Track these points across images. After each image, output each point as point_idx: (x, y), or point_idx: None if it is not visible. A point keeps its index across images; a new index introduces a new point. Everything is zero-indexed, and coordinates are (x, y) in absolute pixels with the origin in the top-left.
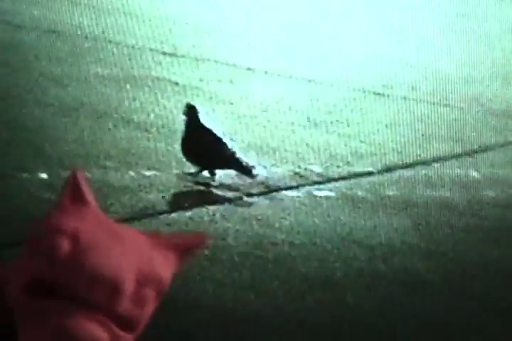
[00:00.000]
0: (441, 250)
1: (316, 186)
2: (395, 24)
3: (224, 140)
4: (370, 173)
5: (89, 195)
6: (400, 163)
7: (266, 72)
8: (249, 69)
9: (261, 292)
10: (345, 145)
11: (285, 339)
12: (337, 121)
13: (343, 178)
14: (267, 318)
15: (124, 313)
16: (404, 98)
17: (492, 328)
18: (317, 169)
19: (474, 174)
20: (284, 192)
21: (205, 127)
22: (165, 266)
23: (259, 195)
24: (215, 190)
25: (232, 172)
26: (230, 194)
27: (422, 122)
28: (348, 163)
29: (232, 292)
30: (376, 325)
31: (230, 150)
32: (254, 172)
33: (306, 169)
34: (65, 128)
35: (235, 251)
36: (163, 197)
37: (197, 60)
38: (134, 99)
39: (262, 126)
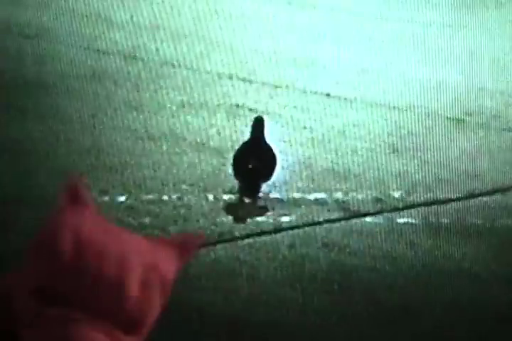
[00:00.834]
0: None
1: (397, 212)
2: (477, 51)
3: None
4: (451, 200)
5: (88, 199)
6: (482, 189)
7: (345, 99)
8: (328, 95)
9: (342, 318)
10: (426, 172)
11: None
12: (417, 147)
13: (425, 205)
14: None
15: (130, 314)
16: (485, 125)
17: None
18: (398, 195)
19: None
20: (364, 218)
21: (267, 145)
22: (167, 265)
23: (338, 220)
24: (293, 216)
25: (311, 196)
26: (308, 219)
27: (503, 150)
28: (429, 189)
29: (312, 318)
30: None
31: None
32: (258, 198)
33: (386, 195)
34: (144, 153)
35: (313, 277)
36: (240, 220)
37: (275, 87)
38: (212, 125)
39: (340, 151)
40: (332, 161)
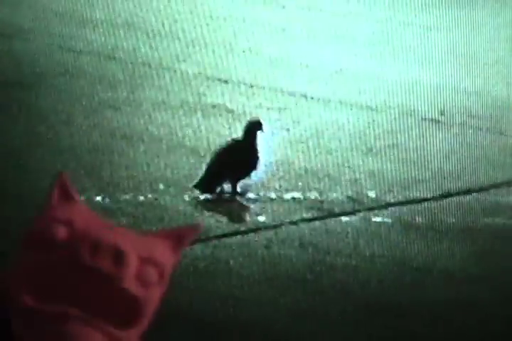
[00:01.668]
0: (500, 277)
1: (372, 212)
2: (452, 50)
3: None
4: (426, 199)
5: (76, 194)
6: (457, 189)
7: (321, 99)
8: (304, 96)
9: (317, 317)
10: (402, 171)
11: None
12: (393, 146)
13: (400, 204)
14: None
15: (127, 307)
16: (461, 125)
17: None
18: (373, 195)
19: None
20: (339, 217)
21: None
22: (164, 257)
23: (314, 219)
24: (269, 215)
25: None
26: (285, 219)
27: (478, 149)
28: (404, 188)
29: (288, 316)
30: None
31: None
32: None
33: (362, 194)
34: (120, 153)
35: (289, 276)
36: (216, 221)
37: (252, 87)
38: (188, 125)
39: (317, 151)
40: (308, 161)
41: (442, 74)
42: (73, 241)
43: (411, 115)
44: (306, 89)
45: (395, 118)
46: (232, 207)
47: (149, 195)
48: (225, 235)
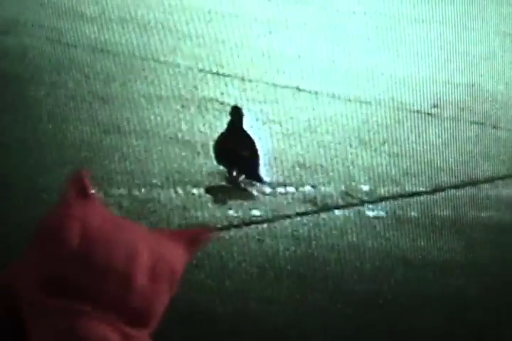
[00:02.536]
0: (491, 270)
1: (365, 205)
2: (445, 44)
3: (256, 146)
4: (419, 193)
5: (92, 192)
6: (450, 182)
7: (314, 92)
8: (298, 89)
9: (310, 310)
10: (395, 165)
11: None
12: (386, 140)
13: (393, 198)
14: (314, 336)
15: (137, 305)
16: (454, 118)
17: None
18: (366, 188)
19: None
20: (332, 211)
21: (245, 130)
22: (176, 256)
23: (307, 213)
24: (262, 208)
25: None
26: (279, 212)
27: (471, 143)
28: (397, 182)
29: (280, 310)
30: None
31: (257, 160)
32: (264, 179)
33: (355, 188)
34: (113, 146)
35: (283, 270)
36: (210, 215)
37: (244, 80)
38: (182, 119)
39: (310, 145)
40: (301, 155)
41: (435, 67)
42: (86, 238)
43: (404, 108)
44: (298, 82)
45: (387, 112)
46: (226, 201)
47: (142, 189)
48: (218, 229)
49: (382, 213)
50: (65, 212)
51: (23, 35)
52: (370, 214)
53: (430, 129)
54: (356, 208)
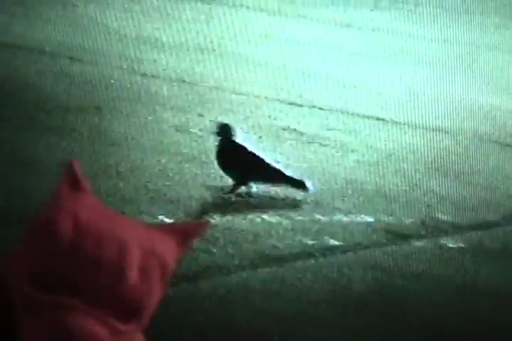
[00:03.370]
0: None
1: (445, 236)
2: None
3: (260, 156)
4: (500, 224)
5: (86, 183)
6: None
7: (394, 122)
8: (377, 119)
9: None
10: (475, 195)
11: None
12: (466, 170)
13: (472, 228)
14: None
15: (129, 300)
16: None
17: None
18: (446, 218)
19: None
20: (411, 241)
21: (238, 143)
22: (167, 250)
23: (386, 244)
24: (340, 238)
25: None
26: (355, 242)
27: None
28: (477, 212)
29: (355, 337)
30: None
31: (271, 165)
32: (307, 185)
33: (435, 218)
34: (192, 174)
35: (359, 299)
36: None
37: (323, 110)
38: (261, 149)
39: (388, 174)
40: (379, 184)
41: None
42: (77, 231)
43: (483, 139)
44: (378, 111)
45: (466, 142)
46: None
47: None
48: (295, 258)
49: (461, 244)
50: (57, 207)
51: (99, 64)
52: (448, 244)
53: (508, 160)
54: (436, 238)
